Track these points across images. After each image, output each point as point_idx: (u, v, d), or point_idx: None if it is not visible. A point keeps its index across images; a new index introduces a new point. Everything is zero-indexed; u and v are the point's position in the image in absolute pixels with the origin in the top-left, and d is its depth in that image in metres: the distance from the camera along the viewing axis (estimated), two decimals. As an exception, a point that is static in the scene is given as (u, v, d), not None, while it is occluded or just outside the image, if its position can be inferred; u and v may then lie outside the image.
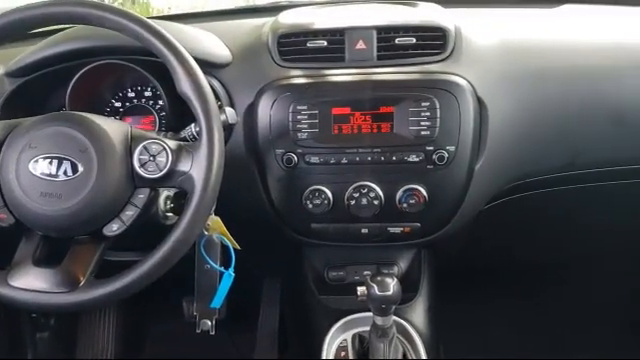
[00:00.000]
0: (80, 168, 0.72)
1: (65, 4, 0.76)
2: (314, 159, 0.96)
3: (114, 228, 0.75)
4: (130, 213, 0.75)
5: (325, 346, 1.02)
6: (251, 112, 0.97)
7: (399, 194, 0.96)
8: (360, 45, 0.97)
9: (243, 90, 0.98)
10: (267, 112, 0.96)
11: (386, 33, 0.97)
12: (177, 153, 0.75)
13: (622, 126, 1.03)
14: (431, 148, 0.94)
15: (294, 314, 1.47)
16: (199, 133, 0.75)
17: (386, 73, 0.96)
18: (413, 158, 0.95)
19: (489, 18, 1.17)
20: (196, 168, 0.73)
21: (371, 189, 0.96)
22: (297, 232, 1.05)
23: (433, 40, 0.97)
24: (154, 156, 0.74)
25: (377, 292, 0.88)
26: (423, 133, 0.93)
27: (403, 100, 0.93)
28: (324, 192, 0.97)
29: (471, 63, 0.97)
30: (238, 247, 0.94)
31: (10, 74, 0.99)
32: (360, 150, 0.96)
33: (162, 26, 0.76)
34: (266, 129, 0.96)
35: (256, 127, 0.97)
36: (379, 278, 0.90)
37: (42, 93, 1.01)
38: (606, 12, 1.25)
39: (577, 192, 1.10)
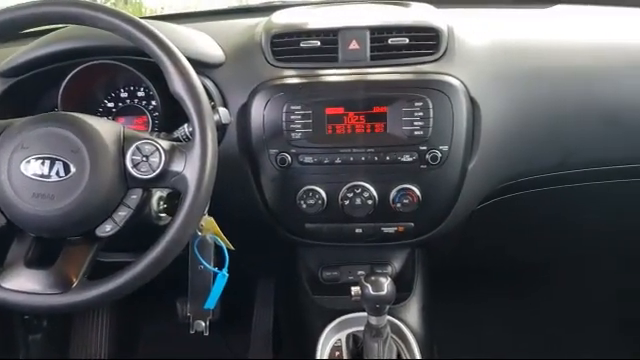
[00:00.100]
0: (72, 169, 0.72)
1: (58, 4, 0.76)
2: (308, 159, 0.96)
3: (107, 229, 0.75)
4: (123, 214, 0.75)
5: (319, 346, 1.03)
6: (244, 112, 0.97)
7: (393, 194, 0.97)
8: (353, 45, 0.97)
9: (236, 90, 0.98)
10: (260, 112, 0.95)
11: (379, 33, 0.97)
12: (170, 153, 0.75)
13: (614, 126, 1.03)
14: (424, 148, 0.94)
15: (288, 314, 1.47)
16: (192, 133, 0.74)
17: (379, 73, 0.96)
18: (406, 158, 0.95)
19: (482, 18, 1.17)
20: (189, 168, 0.73)
21: (365, 189, 0.96)
22: (291, 232, 1.05)
23: (426, 40, 0.97)
24: (147, 156, 0.74)
25: (371, 292, 0.88)
26: (416, 133, 0.94)
27: (396, 100, 0.93)
28: (318, 192, 0.97)
29: (464, 63, 0.97)
30: (232, 247, 0.94)
31: (2, 74, 0.98)
32: (354, 150, 0.96)
33: (155, 26, 0.76)
34: (260, 129, 0.96)
35: (249, 127, 0.97)
36: (373, 278, 0.90)
37: (34, 93, 1.01)
38: (599, 12, 1.26)
39: (568, 192, 1.10)
